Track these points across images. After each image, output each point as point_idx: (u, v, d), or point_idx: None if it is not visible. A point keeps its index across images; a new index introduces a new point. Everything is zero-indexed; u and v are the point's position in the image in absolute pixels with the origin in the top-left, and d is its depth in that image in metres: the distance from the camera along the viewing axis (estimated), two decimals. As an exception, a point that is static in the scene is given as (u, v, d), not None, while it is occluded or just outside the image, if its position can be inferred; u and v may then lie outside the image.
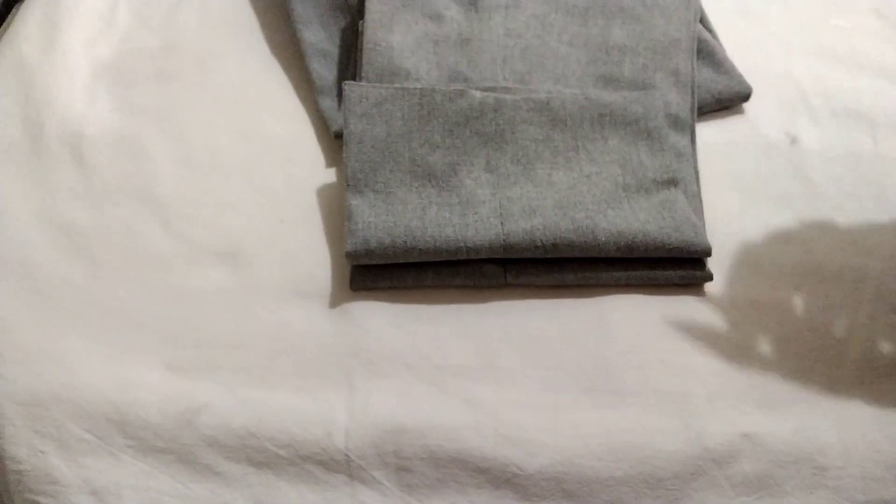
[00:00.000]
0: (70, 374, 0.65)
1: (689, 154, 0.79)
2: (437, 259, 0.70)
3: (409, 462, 0.62)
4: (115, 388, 0.64)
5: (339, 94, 0.81)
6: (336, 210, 0.75)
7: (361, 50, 0.81)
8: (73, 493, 0.61)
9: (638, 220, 0.71)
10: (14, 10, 0.95)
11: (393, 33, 0.81)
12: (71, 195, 0.76)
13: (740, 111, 0.86)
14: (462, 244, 0.69)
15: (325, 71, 0.84)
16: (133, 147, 0.80)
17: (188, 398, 0.64)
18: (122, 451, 0.63)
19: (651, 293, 0.72)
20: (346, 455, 0.62)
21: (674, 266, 0.71)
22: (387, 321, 0.69)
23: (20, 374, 0.64)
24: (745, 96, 0.85)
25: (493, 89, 0.78)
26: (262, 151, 0.80)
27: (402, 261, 0.70)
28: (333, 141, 0.80)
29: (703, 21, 0.90)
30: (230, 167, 0.79)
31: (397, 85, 0.77)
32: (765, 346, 0.69)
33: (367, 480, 0.62)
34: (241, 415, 0.63)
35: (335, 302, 0.70)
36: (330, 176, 0.79)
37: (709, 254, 0.71)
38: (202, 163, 0.79)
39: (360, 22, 0.83)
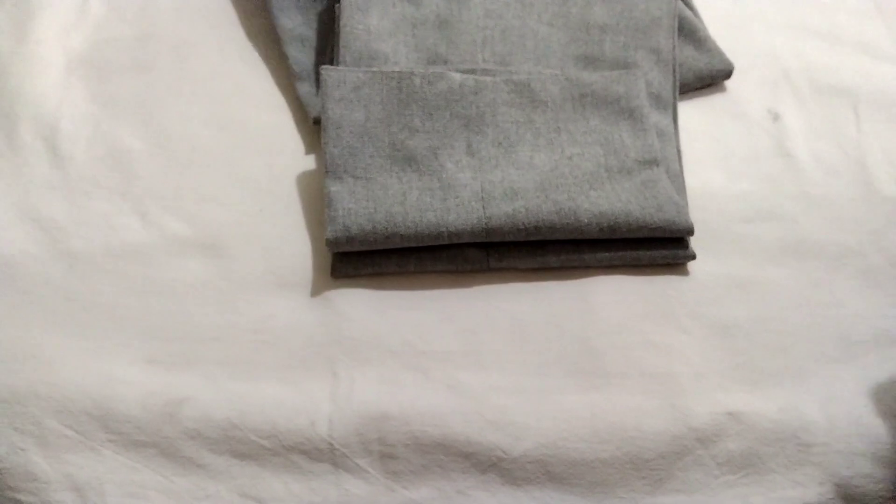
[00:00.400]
0: (49, 369, 0.64)
1: (671, 133, 0.78)
2: (419, 244, 0.69)
3: (394, 449, 0.62)
4: (95, 383, 0.64)
5: (318, 80, 0.80)
6: (316, 198, 0.75)
7: (338, 34, 0.80)
8: (55, 490, 0.60)
9: (620, 200, 0.70)
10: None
11: (370, 16, 0.80)
12: (47, 189, 0.75)
13: (722, 89, 0.86)
14: (444, 229, 0.68)
15: (302, 56, 0.83)
16: (109, 139, 0.79)
17: (170, 391, 0.64)
18: (104, 445, 0.62)
19: (635, 273, 0.71)
20: (330, 444, 0.62)
21: (657, 246, 0.71)
22: (369, 308, 0.68)
23: (-1, 370, 0.64)
24: (727, 74, 0.84)
25: (472, 71, 0.77)
26: (241, 141, 0.79)
27: (383, 247, 0.69)
28: (313, 128, 0.80)
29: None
30: (208, 157, 0.78)
31: (375, 69, 0.76)
32: (749, 325, 0.69)
33: (351, 468, 0.61)
34: (223, 407, 0.63)
35: (317, 290, 0.70)
36: (310, 163, 0.78)
37: (691, 232, 0.71)
38: (180, 154, 0.78)
39: (337, 5, 0.82)
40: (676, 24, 0.84)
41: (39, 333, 0.66)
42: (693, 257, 0.71)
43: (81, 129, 0.79)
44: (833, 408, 0.64)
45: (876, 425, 0.63)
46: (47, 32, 0.86)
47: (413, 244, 0.69)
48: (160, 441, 0.62)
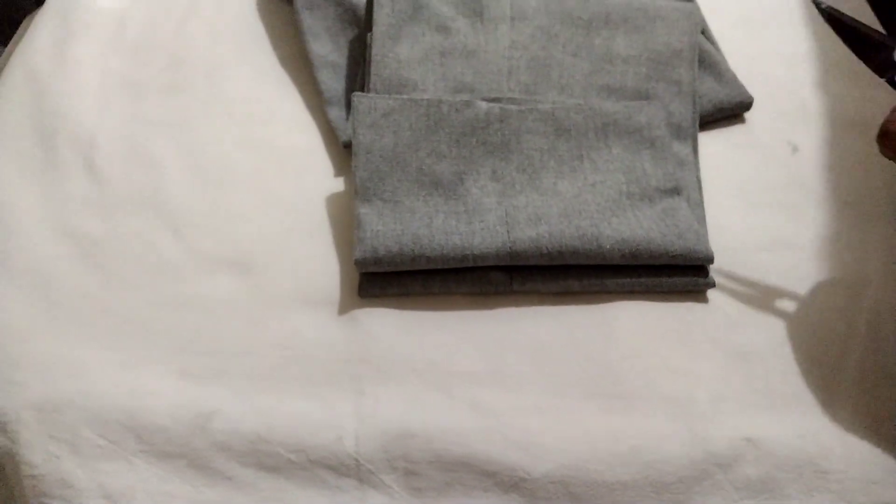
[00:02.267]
0: (84, 380, 0.66)
1: (692, 162, 0.80)
2: (445, 266, 0.71)
3: (418, 466, 0.63)
4: (128, 395, 0.65)
5: (348, 105, 0.83)
6: (345, 219, 0.76)
7: (369, 62, 0.82)
8: (88, 498, 0.62)
9: (641, 227, 0.72)
10: (25, 23, 0.97)
11: (400, 45, 0.83)
12: (83, 206, 0.77)
13: (742, 120, 0.87)
14: (469, 252, 0.70)
15: (333, 82, 0.85)
16: (144, 158, 0.81)
17: (200, 404, 0.65)
18: (135, 455, 0.63)
19: (655, 300, 0.73)
20: (356, 459, 0.63)
21: (677, 273, 0.72)
22: (395, 328, 0.70)
23: (35, 380, 0.66)
24: (747, 105, 0.86)
25: (498, 100, 0.79)
26: (272, 162, 0.82)
27: (409, 268, 0.71)
28: (342, 151, 0.82)
29: (704, 33, 0.91)
30: (240, 178, 0.80)
31: (405, 96, 0.78)
32: (767, 351, 0.70)
33: (376, 484, 0.63)
34: (251, 420, 0.64)
35: (344, 309, 0.71)
36: (339, 185, 0.80)
37: (711, 261, 0.72)
38: (212, 174, 0.80)
39: (368, 34, 0.84)
40: (697, 57, 0.86)
41: (75, 345, 0.68)
42: (713, 285, 0.73)
43: (117, 147, 0.82)
44: (850, 435, 0.65)
45: (892, 453, 0.64)
46: (85, 55, 0.89)
47: (438, 266, 0.71)
48: (189, 452, 0.63)
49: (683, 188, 0.77)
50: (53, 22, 0.92)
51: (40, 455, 0.63)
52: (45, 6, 0.94)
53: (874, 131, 0.85)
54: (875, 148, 0.84)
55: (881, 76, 0.68)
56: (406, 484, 0.63)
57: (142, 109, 0.85)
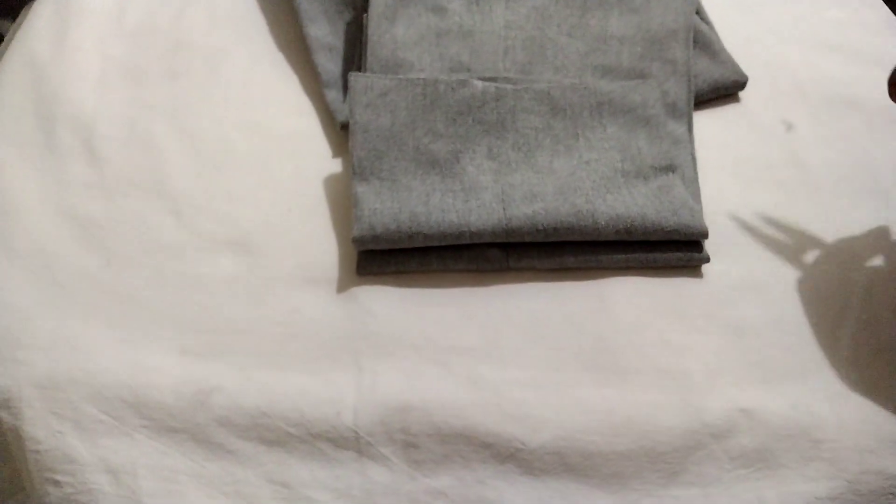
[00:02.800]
0: (86, 358, 0.67)
1: (687, 140, 0.80)
2: (442, 244, 0.71)
3: (416, 438, 0.64)
4: (129, 372, 0.66)
5: (345, 87, 0.83)
6: (342, 199, 0.77)
7: (366, 43, 0.83)
8: (91, 472, 0.63)
9: (636, 203, 0.73)
10: (25, 10, 0.98)
11: (396, 26, 0.83)
12: (84, 188, 0.78)
13: (737, 99, 0.88)
14: (465, 229, 0.71)
15: (330, 65, 0.86)
16: (144, 142, 0.82)
17: (201, 380, 0.66)
18: (137, 431, 0.64)
19: (650, 275, 0.73)
20: (356, 432, 0.64)
21: (672, 249, 0.73)
22: (393, 305, 0.71)
23: (38, 359, 0.66)
24: (741, 84, 0.87)
25: (494, 79, 0.80)
26: (270, 144, 0.82)
27: (407, 246, 0.71)
28: (339, 133, 0.82)
29: (699, 12, 0.92)
30: (239, 160, 0.81)
31: (401, 76, 0.79)
32: (761, 325, 0.71)
33: (375, 456, 0.63)
34: (252, 395, 0.65)
35: (342, 287, 0.72)
36: (336, 166, 0.81)
37: (705, 236, 0.73)
38: (212, 156, 0.81)
39: (364, 16, 0.85)
40: (692, 37, 0.86)
41: (77, 324, 0.69)
42: (707, 260, 0.73)
43: (118, 131, 0.82)
44: (843, 405, 0.66)
45: (884, 423, 0.65)
46: (85, 40, 0.90)
47: (435, 243, 0.71)
48: (191, 427, 0.64)
49: (678, 166, 0.77)
50: (53, 7, 0.93)
51: (44, 431, 0.64)
52: (45, -8, 0.95)
53: (868, 108, 0.87)
54: (866, 126, 0.85)
55: None
56: (405, 456, 0.63)
57: (141, 94, 0.86)
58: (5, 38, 0.95)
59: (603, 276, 0.73)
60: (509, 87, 0.78)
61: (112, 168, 0.79)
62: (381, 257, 0.72)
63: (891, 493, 0.63)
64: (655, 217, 0.72)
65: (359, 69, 0.84)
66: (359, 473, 0.63)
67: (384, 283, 0.72)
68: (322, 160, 0.81)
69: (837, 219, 0.78)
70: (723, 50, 0.88)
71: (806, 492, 0.63)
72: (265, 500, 0.63)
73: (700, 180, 0.79)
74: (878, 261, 0.75)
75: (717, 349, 0.69)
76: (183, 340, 0.69)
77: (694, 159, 0.80)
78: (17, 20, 0.97)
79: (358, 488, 0.63)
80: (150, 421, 0.65)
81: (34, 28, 0.91)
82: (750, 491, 0.63)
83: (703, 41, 0.88)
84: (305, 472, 0.63)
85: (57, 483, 0.63)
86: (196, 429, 0.64)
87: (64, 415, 0.64)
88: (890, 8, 0.96)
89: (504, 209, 0.72)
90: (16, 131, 0.82)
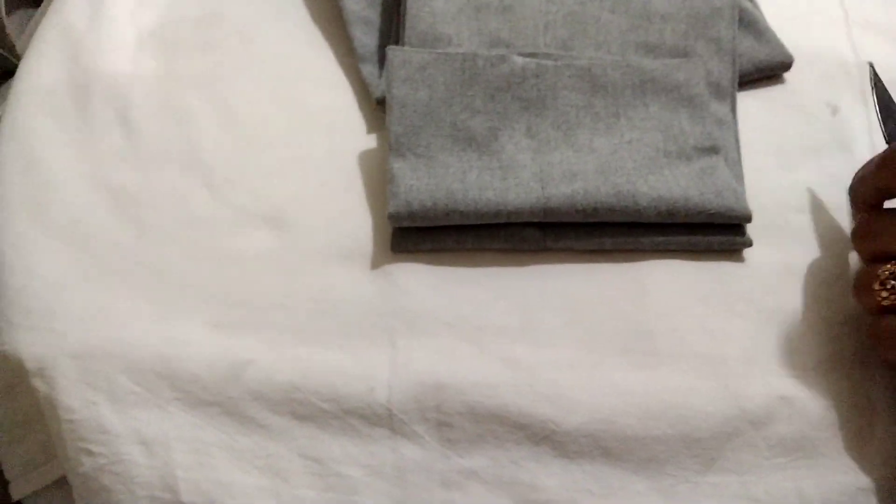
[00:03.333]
0: (120, 330, 0.67)
1: (730, 122, 0.79)
2: (478, 222, 0.70)
3: (450, 417, 0.63)
4: (163, 344, 0.66)
5: (381, 61, 0.82)
6: (377, 175, 0.76)
7: (404, 16, 0.81)
8: (123, 443, 0.63)
9: (679, 185, 0.71)
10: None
11: (435, 0, 0.82)
12: (119, 159, 0.78)
13: (781, 80, 0.85)
14: (502, 207, 0.70)
15: (366, 38, 0.85)
16: (178, 114, 0.81)
17: (234, 354, 0.66)
18: (170, 403, 0.64)
19: (689, 258, 0.72)
20: (389, 409, 0.63)
21: (713, 232, 0.72)
22: (427, 283, 0.70)
23: (72, 329, 0.67)
24: (787, 66, 0.84)
25: (534, 55, 0.78)
26: (305, 119, 0.81)
27: (442, 223, 0.70)
28: (374, 108, 0.81)
29: (744, -9, 0.90)
30: (273, 134, 0.80)
31: (440, 50, 0.77)
32: (802, 313, 0.69)
33: (408, 434, 0.63)
34: (285, 370, 0.65)
35: (377, 264, 0.71)
36: (371, 142, 0.80)
37: (749, 219, 0.71)
38: (246, 130, 0.80)
39: (402, -11, 0.84)
40: (737, 15, 0.84)
41: (111, 296, 0.69)
42: (750, 244, 0.72)
43: (152, 103, 0.82)
44: (882, 394, 0.64)
45: (931, 414, 0.64)
46: (119, 11, 0.90)
47: (472, 222, 0.70)
48: (224, 401, 0.64)
49: (721, 147, 0.75)
50: (88, -21, 0.92)
51: (78, 401, 0.64)
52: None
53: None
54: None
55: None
56: (438, 434, 0.63)
57: (176, 65, 0.86)
58: (39, 10, 0.95)
59: (642, 259, 0.71)
60: (549, 63, 0.77)
61: (146, 140, 0.79)
62: (417, 234, 0.71)
63: (935, 486, 0.62)
64: (698, 199, 0.70)
65: (396, 43, 0.83)
66: (391, 451, 0.63)
67: (419, 260, 0.71)
68: (357, 135, 0.80)
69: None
70: (768, 29, 0.86)
71: (846, 482, 0.62)
72: (297, 475, 0.63)
73: (743, 163, 0.77)
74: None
75: (757, 335, 0.68)
76: (216, 314, 0.68)
77: (738, 141, 0.78)
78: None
79: (390, 466, 0.63)
80: (184, 393, 0.65)
81: (69, 0, 0.90)
82: (788, 480, 0.62)
83: (748, 20, 0.85)
84: (337, 447, 0.63)
85: (90, 453, 0.63)
86: (229, 402, 0.64)
87: (98, 385, 0.64)
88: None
89: (543, 188, 0.70)
90: (51, 103, 0.82)
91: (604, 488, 0.62)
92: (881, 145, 0.80)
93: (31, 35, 0.90)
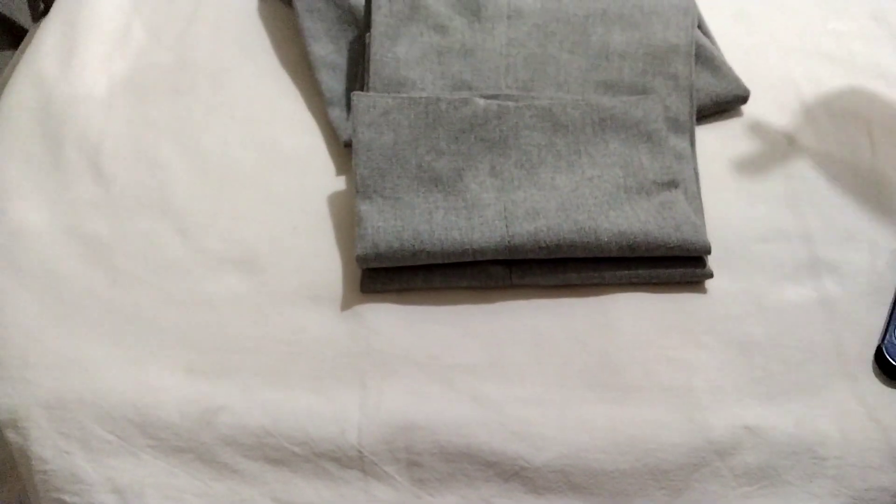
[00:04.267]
0: (93, 378, 0.67)
1: (689, 156, 0.81)
2: (445, 261, 0.72)
3: (420, 457, 0.64)
4: (135, 391, 0.67)
5: (348, 105, 0.84)
6: (346, 217, 0.78)
7: (368, 61, 0.83)
8: (98, 492, 0.63)
9: (639, 220, 0.73)
10: (32, 30, 0.99)
11: (398, 45, 0.84)
12: (91, 207, 0.78)
13: (739, 114, 0.88)
14: (468, 246, 0.71)
15: (334, 83, 0.86)
16: (150, 160, 0.82)
17: (207, 399, 0.66)
18: (144, 450, 0.64)
19: (653, 291, 0.73)
20: (360, 451, 0.64)
21: (675, 264, 0.73)
22: (397, 322, 0.71)
23: (45, 378, 0.67)
24: (744, 99, 0.87)
25: (496, 97, 0.80)
26: (275, 162, 0.83)
27: (410, 263, 0.72)
28: (343, 151, 0.83)
29: (700, 27, 0.92)
30: (244, 178, 0.81)
31: (404, 94, 0.79)
32: (765, 341, 0.70)
33: (379, 475, 0.64)
34: (258, 415, 0.65)
35: (347, 305, 0.72)
36: (340, 184, 0.81)
37: (709, 252, 0.73)
38: (217, 174, 0.81)
39: (367, 34, 0.85)
40: (693, 51, 0.86)
41: (84, 343, 0.69)
42: (710, 275, 0.73)
43: (123, 149, 0.83)
44: (847, 423, 0.66)
45: (889, 439, 0.65)
46: (91, 58, 0.91)
47: (439, 261, 0.72)
48: (197, 447, 0.64)
49: (681, 181, 0.77)
50: (60, 27, 0.93)
51: (51, 451, 0.64)
52: (52, 12, 0.96)
53: (871, 122, 0.87)
54: (869, 139, 0.85)
55: None
56: (409, 475, 0.64)
57: (147, 112, 0.87)
58: (13, 59, 0.96)
59: (606, 293, 0.73)
60: (511, 104, 0.78)
61: (118, 187, 0.80)
62: (385, 275, 0.73)
63: (896, 510, 0.63)
64: (658, 233, 0.72)
65: (362, 88, 0.84)
66: (363, 492, 0.63)
67: (388, 300, 0.72)
68: (326, 178, 0.82)
69: (841, 232, 0.78)
70: (724, 64, 0.88)
71: (810, 509, 0.63)
72: (270, 520, 0.63)
73: (703, 195, 0.79)
74: (882, 273, 0.75)
75: (722, 366, 0.69)
76: (189, 359, 0.69)
77: (697, 174, 0.80)
78: (24, 40, 0.98)
79: (362, 507, 0.63)
80: (157, 440, 0.65)
81: (42, 47, 0.91)
82: (755, 509, 0.63)
83: (704, 55, 0.88)
84: (311, 491, 0.63)
85: (64, 503, 0.63)
86: (202, 448, 0.65)
87: (71, 434, 0.64)
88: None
89: (507, 226, 0.72)
90: (23, 151, 0.82)
91: (573, 523, 0.63)
92: (837, 174, 0.82)
93: (6, 80, 0.90)
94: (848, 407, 0.67)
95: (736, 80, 0.87)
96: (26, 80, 0.88)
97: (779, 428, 0.65)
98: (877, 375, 0.69)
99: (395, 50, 0.83)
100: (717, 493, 0.63)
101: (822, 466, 0.64)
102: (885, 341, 0.70)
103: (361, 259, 0.71)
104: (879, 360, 0.69)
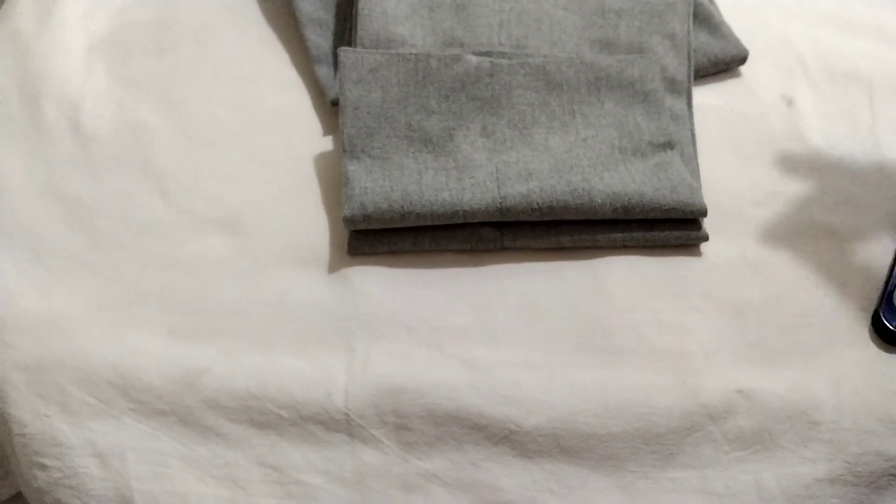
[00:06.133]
0: (72, 340, 0.66)
1: (686, 117, 0.79)
2: (435, 223, 0.70)
3: (408, 420, 0.63)
4: (117, 354, 0.65)
5: (335, 63, 0.82)
6: (333, 178, 0.76)
7: (356, 16, 0.81)
8: (78, 456, 0.62)
9: (634, 181, 0.71)
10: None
11: (387, 0, 0.81)
12: (70, 167, 0.76)
13: (737, 74, 0.86)
14: (459, 208, 0.69)
15: (320, 40, 0.84)
16: (131, 119, 0.80)
17: (190, 362, 0.65)
18: (125, 413, 0.63)
19: (647, 254, 0.72)
20: (346, 415, 0.63)
21: (670, 227, 0.72)
22: (385, 285, 0.70)
23: (24, 340, 0.65)
24: (742, 59, 0.85)
25: (489, 54, 0.78)
26: (260, 122, 0.81)
27: (399, 225, 0.70)
28: (330, 110, 0.81)
29: (699, -15, 0.90)
30: (228, 138, 0.79)
31: (393, 51, 0.77)
32: (760, 305, 0.69)
33: (366, 439, 0.63)
34: (242, 378, 0.64)
35: (334, 267, 0.71)
36: (327, 144, 0.79)
37: (704, 214, 0.72)
38: (200, 134, 0.79)
39: (355, -11, 0.83)
40: (692, 10, 0.84)
41: (63, 306, 0.68)
42: (706, 238, 0.72)
43: (104, 108, 0.81)
44: (842, 386, 0.65)
45: (884, 403, 0.64)
46: (70, 15, 0.88)
47: (428, 223, 0.70)
48: (180, 410, 0.63)
49: (677, 142, 0.76)
50: (37, -16, 0.90)
51: (30, 414, 0.63)
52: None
53: (870, 82, 0.85)
54: (869, 101, 0.84)
55: None
56: (397, 438, 0.63)
57: (128, 71, 0.84)
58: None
59: (599, 256, 0.72)
60: (504, 62, 0.76)
61: (98, 146, 0.78)
62: (373, 237, 0.71)
63: (891, 475, 0.63)
64: (653, 195, 0.70)
65: (349, 44, 0.82)
66: (350, 456, 0.62)
67: (376, 263, 0.71)
68: (312, 138, 0.80)
69: (838, 195, 0.77)
70: (723, 23, 0.86)
71: (805, 473, 0.62)
72: (256, 484, 0.62)
73: (699, 157, 0.78)
74: (878, 238, 0.74)
75: (715, 329, 0.68)
76: (171, 322, 0.68)
77: (693, 136, 0.78)
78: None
79: (350, 471, 0.62)
80: (138, 404, 0.64)
81: (18, 4, 0.89)
82: (748, 473, 0.62)
83: (702, 14, 0.86)
84: (296, 454, 0.63)
85: (44, 467, 0.62)
86: (185, 411, 0.63)
87: (50, 398, 0.63)
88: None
89: (498, 188, 0.70)
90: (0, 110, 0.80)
91: (564, 487, 0.62)
92: (836, 136, 0.81)
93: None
94: (844, 371, 0.66)
95: (734, 40, 0.85)
96: (2, 36, 0.86)
97: (773, 392, 0.65)
98: (873, 340, 0.68)
99: (383, 4, 0.81)
100: (709, 457, 0.63)
101: (817, 431, 0.63)
102: (882, 306, 0.69)
103: (349, 220, 0.70)
104: (876, 324, 0.68)
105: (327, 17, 0.86)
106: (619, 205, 0.70)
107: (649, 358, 0.66)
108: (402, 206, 0.69)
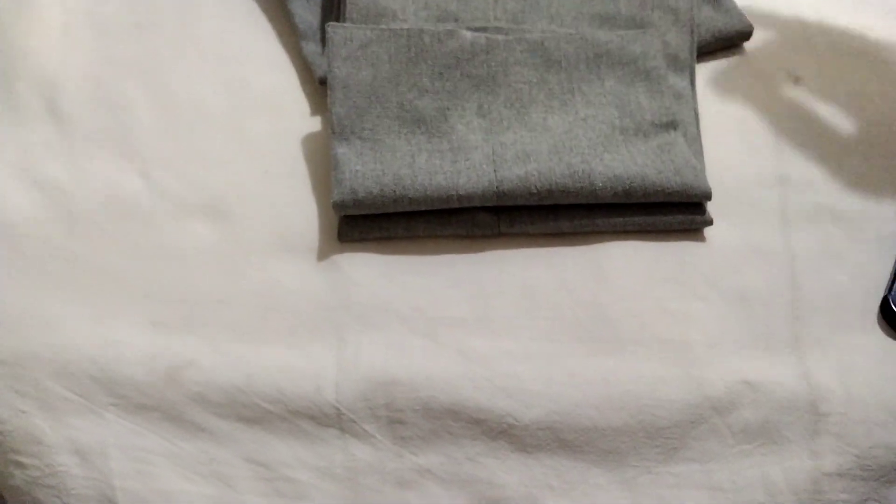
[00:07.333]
0: (51, 333, 0.63)
1: (689, 95, 0.76)
2: (429, 208, 0.68)
3: (402, 414, 0.60)
4: (97, 347, 0.63)
5: (324, 39, 0.78)
6: (322, 160, 0.73)
7: (345, -10, 0.78)
8: (57, 454, 0.59)
9: (636, 163, 0.69)
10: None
11: (378, -28, 0.78)
12: (47, 149, 0.73)
13: (741, 51, 0.83)
14: (454, 192, 0.67)
15: (308, 15, 0.81)
16: (111, 99, 0.77)
17: (174, 355, 0.63)
18: (107, 409, 0.61)
19: (649, 239, 0.70)
20: (337, 409, 0.61)
21: (673, 211, 0.69)
22: (377, 273, 0.67)
23: (-1, 333, 0.63)
24: (746, 34, 0.82)
25: (484, 29, 0.75)
26: (246, 102, 0.78)
27: (391, 210, 0.67)
28: (318, 89, 0.78)
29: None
30: (212, 119, 0.76)
31: (383, 26, 0.74)
32: (766, 292, 0.67)
33: (358, 434, 0.60)
34: (228, 371, 0.62)
35: (323, 255, 0.68)
36: (315, 125, 0.76)
37: (709, 197, 0.69)
38: (184, 115, 0.76)
39: (343, -40, 0.79)
40: (694, -17, 0.81)
41: (41, 296, 0.65)
42: (710, 223, 0.70)
43: (82, 88, 0.78)
44: (851, 377, 0.63)
45: (894, 395, 0.62)
46: (47, -9, 0.84)
47: (422, 208, 0.67)
48: (164, 405, 0.61)
49: (680, 122, 0.73)
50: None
51: (7, 411, 0.60)
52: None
53: (878, 59, 0.83)
54: (877, 79, 0.81)
55: None
56: (390, 433, 0.60)
57: (108, 49, 0.81)
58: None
59: (600, 241, 0.69)
60: (500, 37, 0.73)
61: (76, 128, 0.75)
62: (364, 223, 0.68)
63: (901, 468, 0.61)
64: (656, 178, 0.68)
65: (338, 19, 0.79)
66: (342, 451, 0.60)
67: (367, 250, 0.68)
68: (301, 118, 0.77)
69: (846, 176, 0.74)
70: (727, -3, 0.83)
71: (812, 467, 0.60)
72: (243, 481, 0.60)
73: (702, 137, 0.75)
74: (888, 219, 0.72)
75: (720, 318, 0.66)
76: (153, 312, 0.65)
77: (697, 115, 0.76)
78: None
79: (341, 467, 0.60)
80: (120, 398, 0.61)
81: (-9, -21, 0.85)
82: (754, 466, 0.60)
83: (705, -12, 0.83)
84: (286, 450, 0.60)
85: (21, 465, 0.59)
86: (169, 406, 0.61)
87: (27, 393, 0.61)
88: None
89: (495, 171, 0.67)
90: (-28, 89, 0.77)
91: (564, 483, 0.60)
92: (843, 114, 0.78)
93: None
94: (852, 361, 0.64)
95: (739, 14, 0.82)
96: (-27, 12, 0.82)
97: (779, 383, 0.63)
98: (882, 328, 0.66)
99: (373, -23, 0.77)
100: (714, 451, 0.61)
101: (825, 423, 0.61)
102: (892, 292, 0.66)
103: (338, 205, 0.67)
104: (885, 311, 0.66)
105: (314, -10, 0.83)
106: (620, 188, 0.67)
107: (652, 348, 0.64)
108: (395, 191, 0.66)
